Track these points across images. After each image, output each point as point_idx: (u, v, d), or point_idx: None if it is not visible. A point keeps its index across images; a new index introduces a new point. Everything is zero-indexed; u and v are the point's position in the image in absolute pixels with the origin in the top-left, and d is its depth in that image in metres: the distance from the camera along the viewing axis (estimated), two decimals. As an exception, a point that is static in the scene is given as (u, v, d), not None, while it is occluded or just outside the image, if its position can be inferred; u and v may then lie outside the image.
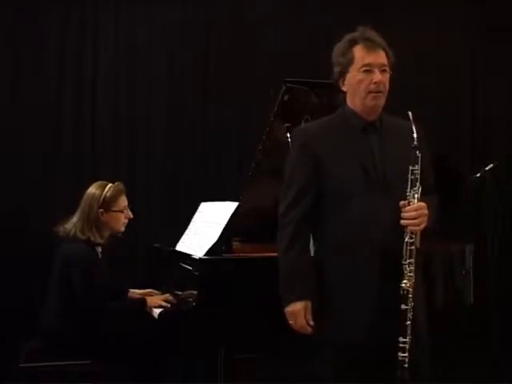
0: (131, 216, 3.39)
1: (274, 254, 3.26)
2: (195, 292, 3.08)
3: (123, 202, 3.35)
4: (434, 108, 5.13)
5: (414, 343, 2.22)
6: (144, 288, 3.51)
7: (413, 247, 2.21)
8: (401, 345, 2.19)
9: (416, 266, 2.25)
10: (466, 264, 3.62)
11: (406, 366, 2.18)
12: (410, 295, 2.20)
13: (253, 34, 4.98)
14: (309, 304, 2.32)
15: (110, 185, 3.32)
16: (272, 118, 3.32)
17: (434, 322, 2.45)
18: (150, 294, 3.43)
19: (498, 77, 5.29)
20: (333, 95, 3.34)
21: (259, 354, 3.19)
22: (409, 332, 2.19)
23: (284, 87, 3.26)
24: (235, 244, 3.57)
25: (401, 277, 2.21)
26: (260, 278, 3.07)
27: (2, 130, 4.64)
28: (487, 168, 4.11)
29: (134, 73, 4.88)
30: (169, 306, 3.24)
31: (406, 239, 2.21)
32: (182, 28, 4.93)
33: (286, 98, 3.28)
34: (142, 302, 3.30)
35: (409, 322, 2.19)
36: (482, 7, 5.21)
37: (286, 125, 3.30)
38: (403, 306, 2.19)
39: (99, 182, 3.35)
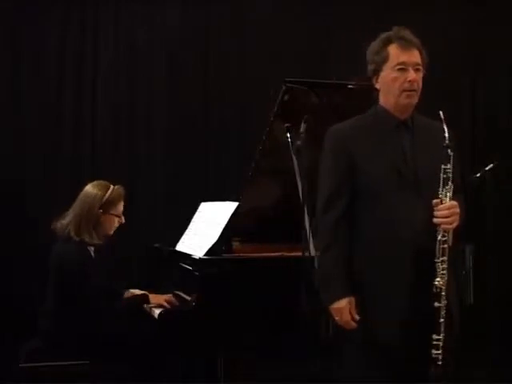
0: (123, 221, 3.36)
1: (274, 254, 3.29)
2: (192, 289, 3.08)
3: (121, 207, 3.34)
4: (434, 108, 5.12)
5: (448, 341, 2.25)
6: (144, 288, 3.51)
7: (445, 245, 2.23)
8: (434, 342, 2.20)
9: (448, 265, 2.28)
10: (466, 264, 3.62)
11: (440, 363, 2.20)
12: (443, 293, 2.21)
13: (253, 34, 4.98)
14: (353, 300, 2.32)
15: (112, 187, 3.30)
16: (272, 118, 3.32)
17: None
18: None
19: (497, 77, 5.29)
20: (332, 95, 3.38)
21: (259, 354, 3.19)
22: (442, 329, 2.20)
23: (284, 87, 3.26)
24: (235, 244, 3.58)
25: (433, 275, 2.23)
26: (260, 277, 3.08)
27: (2, 130, 4.65)
28: (487, 168, 4.11)
29: (134, 73, 4.89)
30: (168, 306, 3.23)
31: (439, 237, 2.23)
32: (182, 28, 4.93)
33: (285, 98, 3.27)
34: (144, 297, 3.30)
35: (442, 320, 2.21)
36: (482, 7, 5.21)
37: (286, 125, 3.30)
38: (437, 304, 2.21)
39: (101, 182, 3.32)
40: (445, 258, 2.23)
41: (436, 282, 2.22)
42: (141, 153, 4.88)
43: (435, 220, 2.23)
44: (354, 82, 3.28)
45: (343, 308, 2.30)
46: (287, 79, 3.28)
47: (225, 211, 3.43)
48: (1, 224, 4.52)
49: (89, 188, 3.29)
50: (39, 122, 4.70)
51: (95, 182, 3.32)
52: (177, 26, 4.92)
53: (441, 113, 2.31)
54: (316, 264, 2.94)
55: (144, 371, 3.20)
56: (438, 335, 2.20)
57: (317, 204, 2.41)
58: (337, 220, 2.34)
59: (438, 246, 2.23)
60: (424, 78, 2.39)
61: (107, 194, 3.25)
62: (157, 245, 3.91)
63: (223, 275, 3.06)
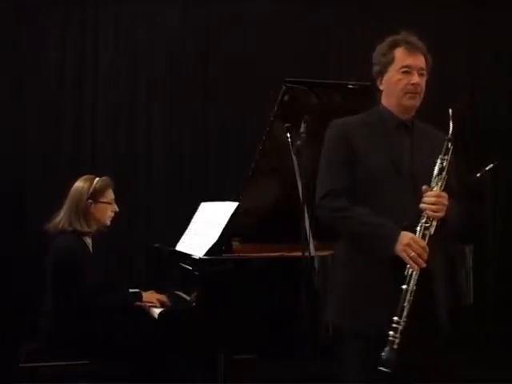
0: (117, 209, 3.43)
1: (274, 254, 3.29)
2: (192, 290, 3.08)
3: (111, 194, 3.41)
4: (434, 108, 5.13)
5: (431, 331, 2.25)
6: (143, 288, 3.51)
7: (427, 232, 2.23)
8: (394, 325, 2.15)
9: (441, 259, 2.30)
10: (466, 264, 3.62)
11: (395, 347, 2.14)
12: (415, 277, 2.19)
13: (253, 34, 4.98)
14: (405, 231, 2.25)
15: (97, 178, 3.38)
16: (272, 118, 3.32)
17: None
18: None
19: (498, 77, 5.30)
20: (332, 95, 3.38)
21: (259, 354, 3.19)
22: (404, 314, 2.16)
23: (284, 87, 3.26)
24: (235, 244, 3.57)
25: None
26: (260, 278, 3.08)
27: (2, 130, 4.65)
28: (487, 168, 4.11)
29: (134, 73, 4.89)
30: (158, 306, 3.24)
31: (422, 221, 2.23)
32: (182, 28, 4.93)
33: (285, 98, 3.27)
34: (137, 295, 3.33)
35: (406, 304, 2.17)
36: (482, 7, 5.21)
37: (286, 125, 3.30)
38: (405, 287, 2.18)
39: (86, 176, 3.41)
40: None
41: (408, 265, 2.20)
42: (141, 153, 4.88)
43: (421, 205, 2.24)
44: (354, 82, 3.28)
45: (411, 238, 2.21)
46: (287, 79, 3.28)
47: (225, 211, 3.43)
48: (1, 224, 4.52)
49: (76, 183, 3.38)
50: (39, 122, 4.70)
51: (82, 177, 3.41)
52: (177, 25, 4.93)
53: (450, 110, 2.34)
54: (316, 264, 2.95)
55: (144, 371, 3.21)
56: (400, 318, 2.15)
57: (316, 193, 2.40)
58: (343, 199, 2.32)
59: (419, 230, 2.23)
60: (428, 83, 2.43)
61: (93, 185, 3.34)
62: (157, 245, 3.91)
63: (223, 275, 3.06)
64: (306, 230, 2.87)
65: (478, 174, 4.10)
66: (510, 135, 5.26)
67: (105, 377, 3.05)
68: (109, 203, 3.38)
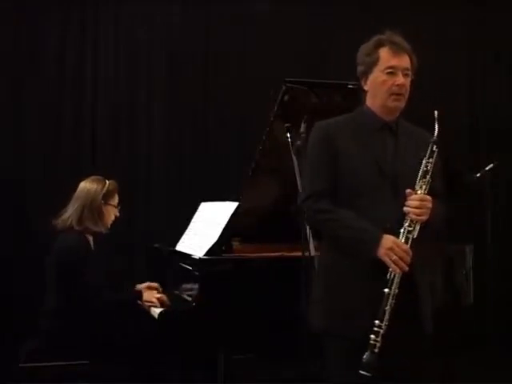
0: (118, 214, 3.48)
1: (274, 254, 3.29)
2: (192, 290, 3.08)
3: (117, 198, 3.47)
4: (434, 108, 5.12)
5: (415, 333, 2.25)
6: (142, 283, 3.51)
7: (410, 235, 2.22)
8: (375, 328, 2.15)
9: (425, 261, 2.29)
10: (466, 264, 3.62)
11: (377, 351, 2.14)
12: (397, 281, 2.18)
13: (253, 34, 4.98)
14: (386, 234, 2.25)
15: (107, 181, 3.43)
16: (272, 118, 3.32)
17: (434, 321, 2.45)
18: (152, 287, 3.45)
19: (497, 77, 5.30)
20: (332, 95, 3.38)
21: (259, 354, 3.19)
22: (386, 318, 2.16)
23: (284, 87, 3.26)
24: (235, 244, 3.58)
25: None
26: (260, 278, 3.08)
27: (2, 130, 4.64)
28: (487, 168, 4.11)
29: (134, 73, 4.89)
30: (158, 305, 3.24)
31: (405, 225, 2.22)
32: (182, 28, 4.93)
33: (285, 98, 3.28)
34: (137, 293, 3.35)
35: (388, 307, 2.17)
36: (482, 7, 5.21)
37: (286, 125, 3.30)
38: (386, 290, 2.18)
39: (96, 177, 3.45)
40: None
41: (391, 269, 2.20)
42: (141, 153, 4.88)
43: (405, 209, 2.23)
44: (353, 82, 3.28)
45: (393, 241, 2.20)
46: (287, 79, 3.28)
47: (225, 211, 3.43)
48: (1, 224, 4.52)
49: (87, 183, 3.41)
50: (39, 122, 4.70)
51: (91, 178, 3.44)
52: (177, 25, 4.93)
53: (436, 112, 2.32)
54: (316, 264, 2.95)
55: (144, 371, 3.21)
56: (381, 322, 2.15)
57: (299, 195, 2.41)
58: (327, 201, 2.31)
59: (402, 232, 2.22)
60: (412, 83, 2.39)
61: (106, 187, 3.39)
62: (157, 245, 3.91)
63: (223, 275, 3.06)
64: (305, 230, 2.88)
65: (478, 174, 4.11)
66: (510, 135, 5.26)
67: (105, 377, 3.05)
68: (115, 207, 3.44)
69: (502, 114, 5.32)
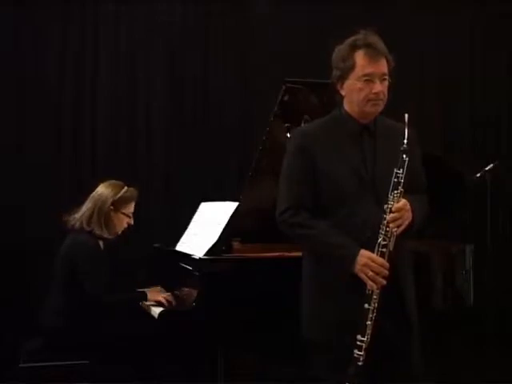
0: (132, 223, 3.48)
1: (274, 254, 3.29)
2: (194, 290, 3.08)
3: (132, 207, 3.46)
4: (434, 108, 5.13)
5: (404, 339, 2.27)
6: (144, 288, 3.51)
7: (384, 249, 2.20)
8: (358, 343, 2.18)
9: (407, 267, 2.32)
10: (466, 264, 3.62)
11: (361, 364, 2.17)
12: (375, 296, 2.19)
13: (253, 33, 4.98)
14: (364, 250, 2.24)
15: (126, 187, 3.42)
16: (272, 118, 3.32)
17: (434, 322, 2.45)
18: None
19: (497, 77, 5.29)
20: (332, 95, 3.38)
21: (259, 354, 3.19)
22: (368, 332, 2.17)
23: (284, 87, 3.26)
24: (235, 244, 3.58)
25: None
26: (260, 278, 3.08)
27: (3, 130, 4.64)
28: (487, 168, 4.11)
29: (133, 73, 4.88)
30: (166, 304, 3.24)
31: (379, 241, 2.20)
32: (182, 28, 4.93)
33: (286, 98, 3.28)
34: (142, 294, 3.34)
35: (369, 322, 2.18)
36: (482, 7, 5.21)
37: (286, 125, 3.30)
38: (366, 306, 2.19)
39: (115, 182, 3.44)
40: None
41: (368, 286, 2.20)
42: (140, 153, 4.88)
43: (384, 222, 2.20)
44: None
45: (368, 257, 2.20)
46: (287, 79, 3.28)
47: (225, 211, 3.43)
48: (1, 224, 4.52)
49: (103, 186, 3.41)
50: (39, 122, 4.70)
51: (110, 181, 3.44)
52: (177, 25, 4.92)
53: (406, 115, 2.27)
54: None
55: (144, 371, 3.21)
56: (363, 337, 2.17)
57: (277, 207, 2.38)
58: (303, 212, 2.31)
59: (376, 248, 2.20)
60: (390, 86, 2.35)
61: (120, 193, 3.38)
62: (157, 245, 3.91)
63: (223, 275, 3.06)
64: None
65: (478, 174, 4.11)
66: (510, 135, 5.26)
67: (105, 377, 3.05)
68: (127, 215, 3.42)
69: (502, 114, 5.32)
